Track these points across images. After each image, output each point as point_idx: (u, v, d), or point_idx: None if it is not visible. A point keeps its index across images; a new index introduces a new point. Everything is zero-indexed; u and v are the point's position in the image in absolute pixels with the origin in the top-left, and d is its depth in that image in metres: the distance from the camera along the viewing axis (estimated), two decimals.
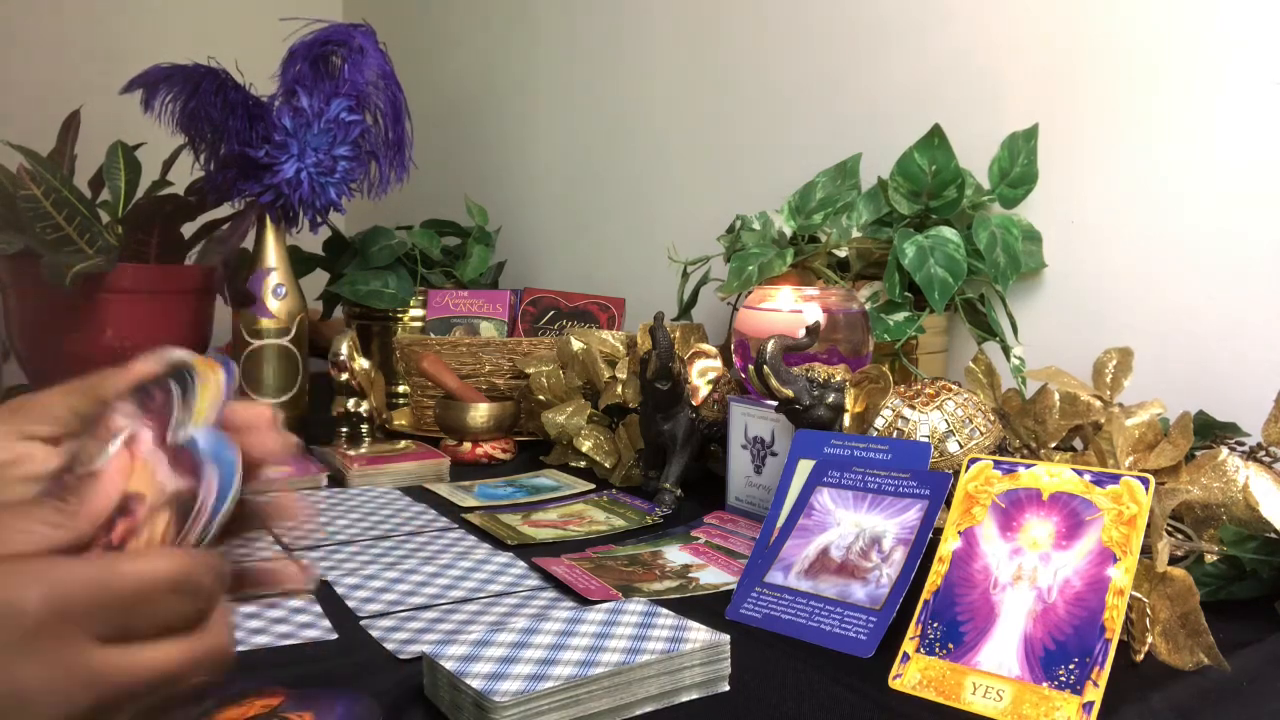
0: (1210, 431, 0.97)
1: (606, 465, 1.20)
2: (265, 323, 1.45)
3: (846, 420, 0.90)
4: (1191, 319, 1.06)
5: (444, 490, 1.13)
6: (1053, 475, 0.70)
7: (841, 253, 1.22)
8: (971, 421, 0.89)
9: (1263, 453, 0.89)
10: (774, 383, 0.89)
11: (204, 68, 1.38)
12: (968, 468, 0.73)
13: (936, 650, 0.65)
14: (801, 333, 0.94)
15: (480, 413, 1.28)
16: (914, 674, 0.64)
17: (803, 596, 0.74)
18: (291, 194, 1.41)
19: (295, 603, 0.77)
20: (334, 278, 1.72)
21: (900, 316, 1.12)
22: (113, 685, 0.37)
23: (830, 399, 0.90)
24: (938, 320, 1.18)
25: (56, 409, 0.45)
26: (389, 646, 0.69)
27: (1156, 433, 0.88)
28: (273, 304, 1.45)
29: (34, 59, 2.34)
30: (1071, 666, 0.60)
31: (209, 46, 1.51)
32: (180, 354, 0.45)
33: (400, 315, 1.69)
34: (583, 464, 1.24)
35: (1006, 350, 1.11)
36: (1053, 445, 0.91)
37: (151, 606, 0.38)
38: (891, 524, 0.76)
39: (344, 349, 1.23)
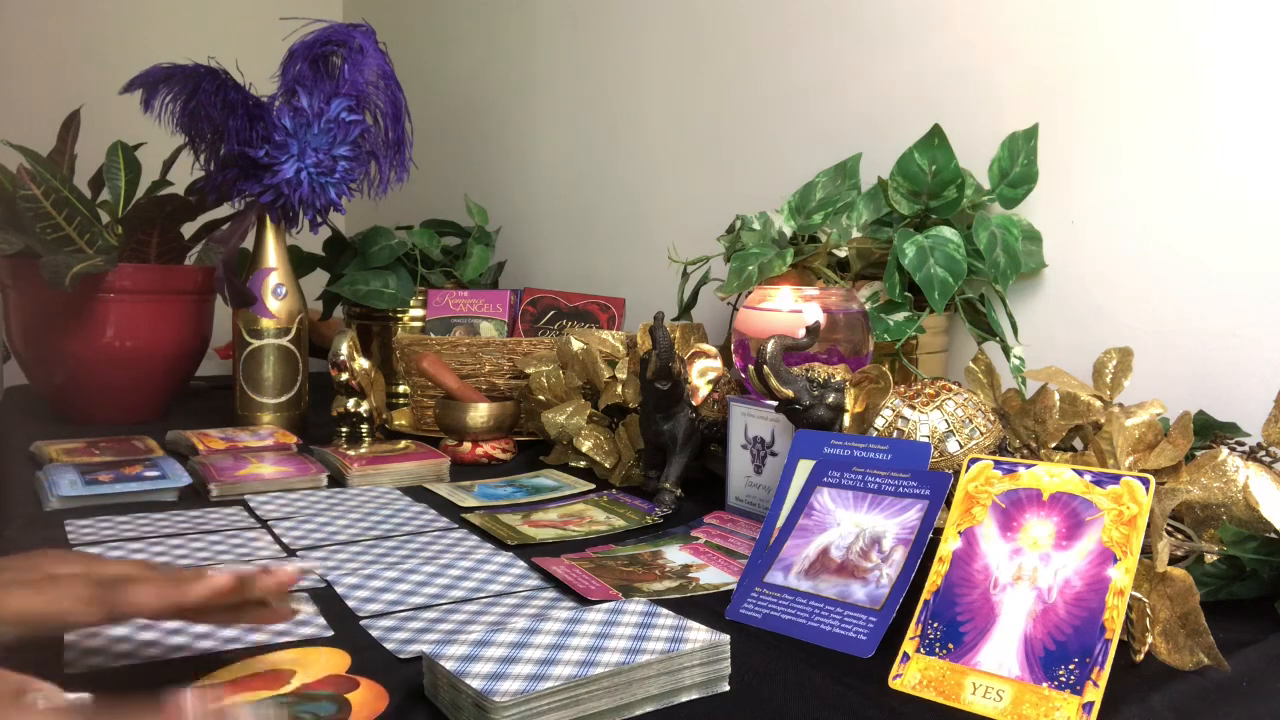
0: (1210, 431, 0.97)
1: (606, 465, 1.20)
2: (265, 323, 1.45)
3: (846, 420, 0.90)
4: (1191, 319, 1.06)
5: (444, 490, 1.13)
6: (1053, 475, 0.70)
7: (841, 253, 1.22)
8: (971, 421, 0.89)
9: (1263, 453, 0.89)
10: (774, 383, 0.89)
11: (204, 68, 1.38)
12: (968, 468, 0.73)
13: (936, 650, 0.65)
14: (801, 333, 0.94)
15: (480, 413, 1.28)
16: (914, 674, 0.64)
17: (803, 596, 0.74)
18: (291, 194, 1.41)
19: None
20: (334, 278, 1.72)
21: (900, 316, 1.12)
22: None
23: (830, 399, 0.90)
24: (938, 320, 1.18)
25: None
26: (389, 646, 0.69)
27: (1156, 433, 0.88)
28: (273, 304, 1.45)
29: (34, 59, 2.34)
30: (1071, 666, 0.60)
31: (209, 46, 1.51)
32: None
33: (400, 315, 1.69)
34: (583, 464, 1.24)
35: (1006, 350, 1.11)
36: (1053, 445, 0.91)
37: None
38: (891, 524, 0.76)
39: (344, 349, 1.23)
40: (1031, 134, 1.17)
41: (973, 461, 0.73)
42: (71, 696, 0.51)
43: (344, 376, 1.24)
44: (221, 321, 1.64)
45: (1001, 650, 0.63)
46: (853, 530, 0.77)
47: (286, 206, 1.43)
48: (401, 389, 1.65)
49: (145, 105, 1.38)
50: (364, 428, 1.28)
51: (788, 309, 1.03)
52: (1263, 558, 0.76)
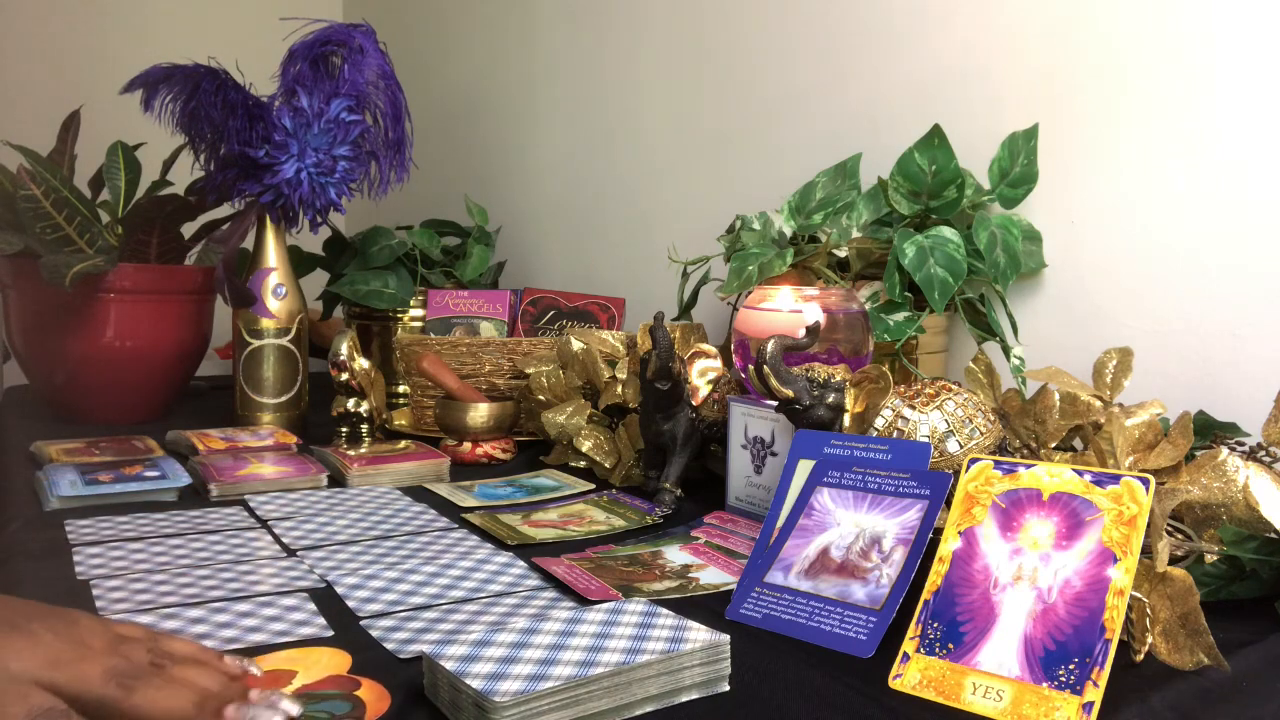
0: (1210, 431, 0.97)
1: (606, 465, 1.20)
2: (265, 323, 1.45)
3: (846, 420, 0.90)
4: (1191, 319, 1.06)
5: (444, 490, 1.13)
6: (1053, 475, 0.70)
7: (841, 253, 1.22)
8: (971, 421, 0.89)
9: (1263, 453, 0.89)
10: (774, 383, 0.89)
11: (204, 68, 1.38)
12: (968, 468, 0.73)
13: (936, 650, 0.65)
14: (801, 333, 0.94)
15: (480, 413, 1.28)
16: (914, 674, 0.64)
17: (803, 596, 0.74)
18: (291, 194, 1.41)
19: (291, 601, 0.77)
20: (334, 278, 1.72)
21: (900, 316, 1.12)
22: None
23: (830, 399, 0.90)
24: (938, 320, 1.18)
25: None
26: (389, 646, 0.69)
27: (1156, 433, 0.88)
28: (273, 304, 1.45)
29: (34, 59, 2.34)
30: (1071, 667, 0.60)
31: (209, 46, 1.52)
32: None
33: (400, 315, 1.69)
34: (583, 464, 1.24)
35: (1006, 350, 1.11)
36: (1053, 445, 0.91)
37: None
38: (891, 524, 0.76)
39: (344, 349, 1.23)
40: (1031, 134, 1.17)
41: (973, 461, 0.73)
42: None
43: (344, 376, 1.24)
44: (221, 321, 1.64)
45: (1001, 650, 0.63)
46: (853, 530, 0.77)
47: (286, 206, 1.44)
48: (401, 389, 1.65)
49: (145, 105, 1.39)
50: (364, 428, 1.28)
51: (788, 309, 1.03)
52: (1263, 558, 0.76)
